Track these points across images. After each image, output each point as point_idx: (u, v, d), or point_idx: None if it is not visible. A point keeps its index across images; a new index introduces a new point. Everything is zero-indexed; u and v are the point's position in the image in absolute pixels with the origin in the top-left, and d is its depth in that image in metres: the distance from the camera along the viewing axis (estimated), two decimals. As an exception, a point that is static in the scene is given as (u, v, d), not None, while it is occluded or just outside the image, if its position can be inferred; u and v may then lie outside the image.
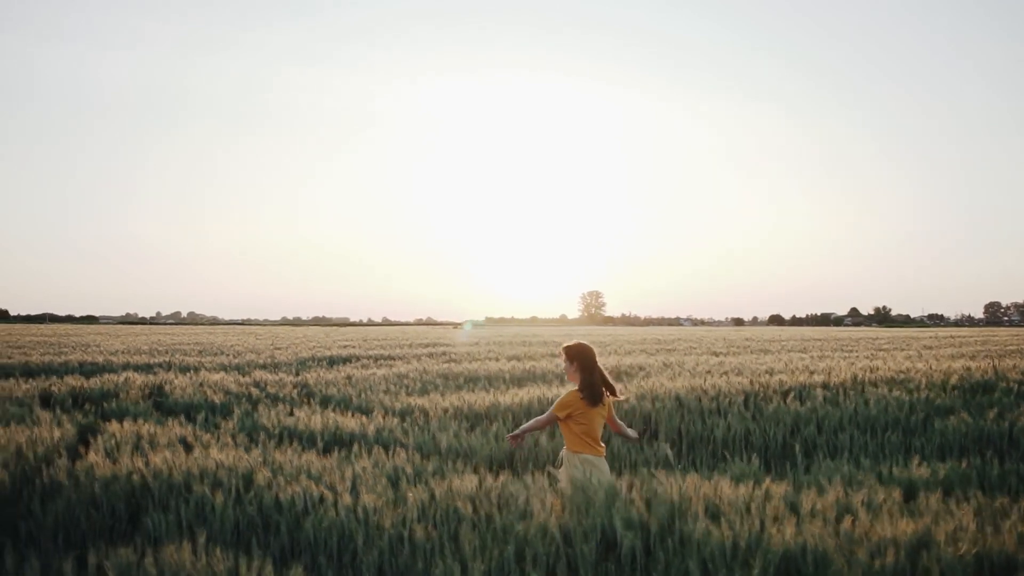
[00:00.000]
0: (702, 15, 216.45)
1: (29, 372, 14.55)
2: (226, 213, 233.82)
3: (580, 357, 5.37)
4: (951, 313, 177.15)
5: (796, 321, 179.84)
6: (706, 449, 7.49)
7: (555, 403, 5.40)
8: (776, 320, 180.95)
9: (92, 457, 5.71)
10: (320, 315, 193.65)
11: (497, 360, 17.06)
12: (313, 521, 4.53)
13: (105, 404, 9.60)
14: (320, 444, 6.94)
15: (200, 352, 20.75)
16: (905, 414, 8.50)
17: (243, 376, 12.70)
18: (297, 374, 13.31)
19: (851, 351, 22.40)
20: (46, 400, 10.18)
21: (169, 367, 15.50)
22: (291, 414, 8.44)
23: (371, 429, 7.56)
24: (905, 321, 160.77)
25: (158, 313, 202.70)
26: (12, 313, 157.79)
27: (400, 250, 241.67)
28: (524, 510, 4.40)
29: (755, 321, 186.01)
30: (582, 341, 5.51)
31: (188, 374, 13.03)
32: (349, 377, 12.37)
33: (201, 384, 11.28)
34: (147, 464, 5.57)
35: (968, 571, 3.59)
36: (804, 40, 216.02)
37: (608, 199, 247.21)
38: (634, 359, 16.96)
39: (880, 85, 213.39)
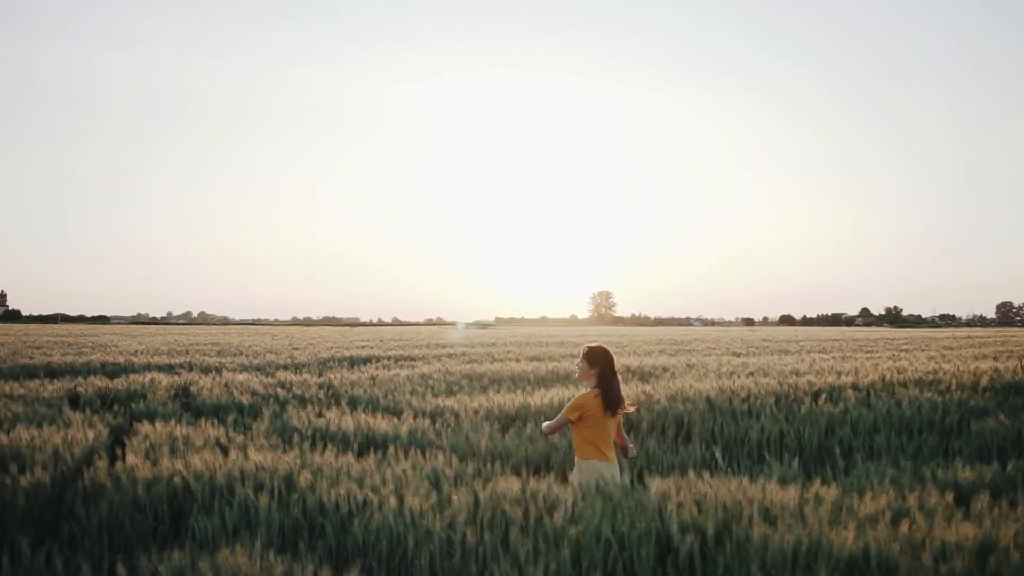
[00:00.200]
0: (716, 15, 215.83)
1: (52, 372, 14.61)
2: (235, 213, 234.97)
3: (603, 363, 5.24)
4: (963, 313, 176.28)
5: (807, 321, 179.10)
6: (742, 451, 7.43)
7: (567, 405, 5.26)
8: (787, 320, 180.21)
9: (132, 459, 5.70)
10: (330, 315, 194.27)
11: (518, 361, 17.01)
12: (360, 524, 4.49)
13: (133, 405, 9.61)
14: (355, 446, 6.90)
15: (219, 352, 20.80)
16: (940, 416, 8.41)
17: (267, 377, 12.70)
18: (320, 375, 13.30)
19: (871, 352, 22.26)
20: (74, 401, 10.19)
21: (191, 367, 15.54)
22: (320, 415, 8.42)
23: (403, 430, 7.52)
24: (917, 321, 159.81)
25: (169, 313, 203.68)
26: (24, 313, 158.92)
27: (409, 250, 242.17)
28: (573, 514, 4.36)
29: (765, 321, 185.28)
30: (604, 346, 5.37)
31: (211, 375, 13.05)
32: (373, 378, 12.35)
33: (226, 385, 11.28)
34: (187, 466, 5.55)
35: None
36: (808, 40, 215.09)
37: (617, 199, 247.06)
38: (655, 360, 16.89)
39: (887, 84, 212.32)
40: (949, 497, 4.69)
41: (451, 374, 12.88)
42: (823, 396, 9.08)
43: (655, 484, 4.77)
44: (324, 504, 4.81)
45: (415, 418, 8.31)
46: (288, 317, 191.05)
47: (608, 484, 5.04)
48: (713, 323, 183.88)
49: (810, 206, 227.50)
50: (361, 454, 6.30)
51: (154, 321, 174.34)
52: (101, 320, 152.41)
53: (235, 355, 19.65)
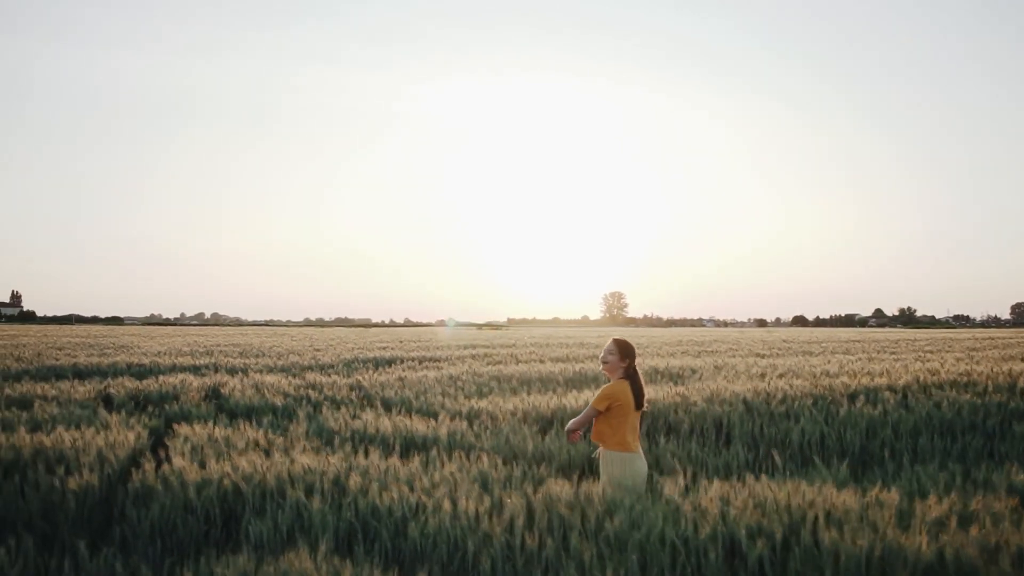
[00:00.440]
0: (727, 17, 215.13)
1: (79, 374, 14.67)
2: (246, 214, 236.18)
3: (632, 356, 5.16)
4: (976, 314, 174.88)
5: (820, 322, 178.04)
6: (784, 453, 7.35)
7: (595, 397, 5.12)
8: (800, 321, 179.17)
9: (179, 461, 5.68)
10: (342, 316, 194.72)
11: (542, 362, 16.96)
12: (417, 528, 4.45)
13: (167, 407, 9.61)
14: (396, 448, 6.86)
15: (241, 354, 20.83)
16: (981, 418, 8.31)
17: (294, 378, 12.70)
18: (348, 376, 13.28)
19: (895, 353, 22.08)
20: (107, 402, 10.21)
21: (216, 369, 15.56)
22: (356, 417, 8.39)
23: (443, 433, 7.48)
24: (931, 322, 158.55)
25: (182, 314, 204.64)
26: (39, 314, 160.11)
27: (421, 251, 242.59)
28: (634, 519, 4.30)
29: (778, 322, 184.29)
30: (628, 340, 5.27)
31: (238, 376, 13.06)
32: (401, 379, 12.33)
33: (256, 386, 11.27)
34: (235, 468, 5.53)
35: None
36: (816, 39, 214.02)
37: (628, 200, 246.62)
38: (680, 361, 16.80)
39: (897, 83, 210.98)
40: (1013, 501, 4.62)
41: (479, 376, 12.84)
42: (860, 398, 8.98)
43: (713, 487, 4.70)
44: (377, 507, 4.77)
45: (451, 420, 8.27)
46: (300, 318, 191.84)
47: (640, 479, 4.96)
48: (726, 324, 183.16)
49: (820, 206, 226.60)
50: (403, 456, 6.26)
51: (167, 322, 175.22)
52: (115, 321, 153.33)
53: (258, 356, 19.68)
